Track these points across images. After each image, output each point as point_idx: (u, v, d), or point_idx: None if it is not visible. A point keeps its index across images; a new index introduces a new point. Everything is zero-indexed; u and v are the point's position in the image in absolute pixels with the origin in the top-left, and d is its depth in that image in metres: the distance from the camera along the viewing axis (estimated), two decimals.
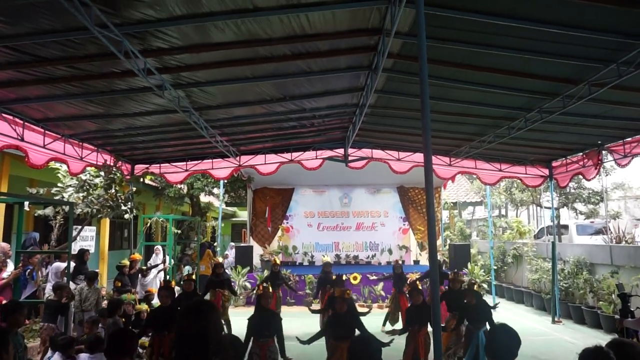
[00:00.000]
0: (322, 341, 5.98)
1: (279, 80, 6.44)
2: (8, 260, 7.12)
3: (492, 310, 6.31)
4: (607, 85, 5.75)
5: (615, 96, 6.34)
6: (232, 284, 10.33)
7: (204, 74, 5.98)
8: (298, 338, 5.54)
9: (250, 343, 5.36)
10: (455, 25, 5.00)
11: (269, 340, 5.43)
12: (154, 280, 10.76)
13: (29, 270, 8.18)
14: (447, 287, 7.88)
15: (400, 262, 10.65)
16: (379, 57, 5.64)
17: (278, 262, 10.44)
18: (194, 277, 8.13)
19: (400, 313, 9.56)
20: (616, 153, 8.79)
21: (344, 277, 9.42)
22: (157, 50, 5.17)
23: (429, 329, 5.62)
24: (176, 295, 7.07)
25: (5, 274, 6.71)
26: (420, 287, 6.80)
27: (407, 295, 9.92)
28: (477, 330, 6.02)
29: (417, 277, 10.67)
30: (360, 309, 6.84)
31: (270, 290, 6.14)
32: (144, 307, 8.05)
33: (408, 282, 9.53)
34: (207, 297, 8.39)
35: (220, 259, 10.68)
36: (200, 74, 5.99)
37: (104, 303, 7.91)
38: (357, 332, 5.45)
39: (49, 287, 7.74)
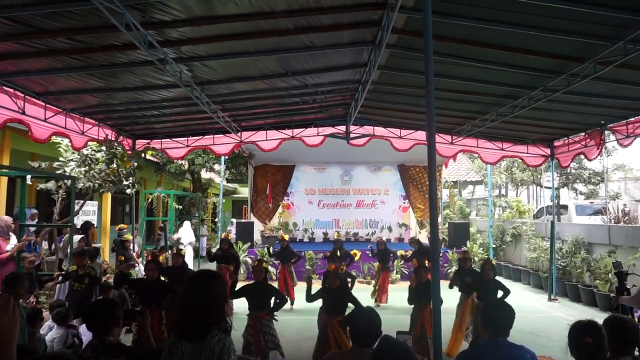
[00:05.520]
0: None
1: (281, 55, 6.37)
2: (11, 233, 7.16)
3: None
4: (613, 64, 5.67)
5: (621, 75, 6.26)
6: None
7: (206, 47, 5.90)
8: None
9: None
10: None
11: (260, 314, 5.46)
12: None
13: (32, 243, 8.28)
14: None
15: (384, 239, 10.91)
16: (382, 32, 5.56)
17: (286, 237, 10.42)
18: (183, 252, 8.20)
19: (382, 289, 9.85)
20: (619, 133, 8.74)
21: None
22: (159, 23, 5.09)
23: None
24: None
25: (8, 247, 6.76)
26: (427, 265, 6.65)
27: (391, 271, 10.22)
28: None
29: (405, 255, 10.71)
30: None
31: (266, 265, 6.17)
32: None
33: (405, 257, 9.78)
34: None
35: (230, 235, 10.63)
36: (202, 48, 5.91)
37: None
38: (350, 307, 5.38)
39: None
